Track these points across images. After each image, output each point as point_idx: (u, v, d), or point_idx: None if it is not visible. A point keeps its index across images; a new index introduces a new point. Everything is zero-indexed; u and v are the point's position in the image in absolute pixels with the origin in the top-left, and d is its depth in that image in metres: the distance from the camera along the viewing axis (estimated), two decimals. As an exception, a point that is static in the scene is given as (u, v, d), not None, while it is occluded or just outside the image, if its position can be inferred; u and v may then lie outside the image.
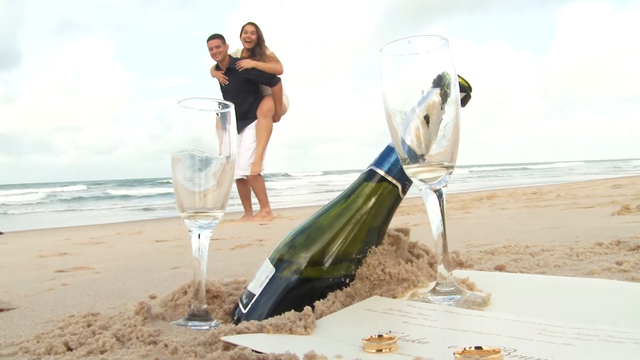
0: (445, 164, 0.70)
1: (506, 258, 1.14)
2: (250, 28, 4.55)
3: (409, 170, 0.71)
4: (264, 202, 4.55)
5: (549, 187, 6.73)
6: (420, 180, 0.71)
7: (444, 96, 0.69)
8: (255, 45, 4.55)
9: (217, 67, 4.64)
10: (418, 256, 0.85)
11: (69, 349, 0.69)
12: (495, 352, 0.48)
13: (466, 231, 1.89)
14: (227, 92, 4.58)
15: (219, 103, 0.81)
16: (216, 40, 4.54)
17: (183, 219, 0.80)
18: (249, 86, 4.55)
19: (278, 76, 4.56)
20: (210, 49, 4.53)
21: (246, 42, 4.56)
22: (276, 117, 4.65)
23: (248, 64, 4.48)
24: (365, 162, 0.83)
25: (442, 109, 0.69)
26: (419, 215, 3.10)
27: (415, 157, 0.70)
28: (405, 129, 0.70)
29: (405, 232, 0.85)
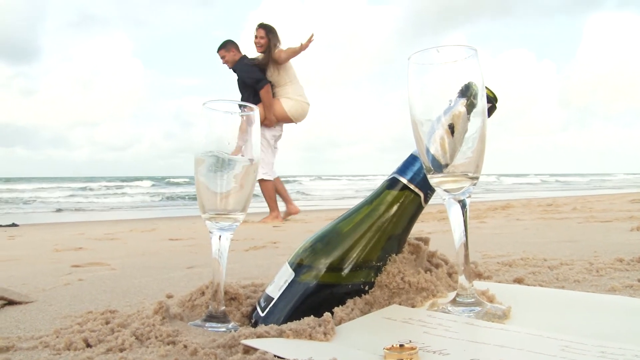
0: (470, 174, 0.70)
1: (524, 270, 1.13)
2: (260, 32, 4.53)
3: (433, 179, 0.71)
4: (270, 206, 4.56)
5: (564, 199, 6.67)
6: (444, 190, 0.71)
7: (470, 106, 0.69)
8: (266, 49, 4.52)
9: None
10: (437, 266, 0.85)
11: (88, 345, 0.70)
12: (519, 367, 0.48)
13: (482, 241, 1.87)
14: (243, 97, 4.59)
15: (243, 105, 0.81)
16: (221, 51, 4.60)
17: (204, 220, 0.80)
18: (245, 88, 4.56)
19: (264, 80, 4.50)
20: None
21: (257, 46, 4.57)
22: (267, 122, 4.51)
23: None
24: (380, 167, 0.83)
25: (467, 119, 0.69)
26: (433, 223, 3.08)
27: (439, 167, 0.70)
28: (430, 138, 0.70)
29: (425, 241, 0.85)
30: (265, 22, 4.65)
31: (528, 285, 0.95)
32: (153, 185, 19.90)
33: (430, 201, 0.81)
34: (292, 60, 4.57)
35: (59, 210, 9.58)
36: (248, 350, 0.59)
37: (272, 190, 4.59)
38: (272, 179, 4.56)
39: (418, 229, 2.62)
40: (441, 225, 2.87)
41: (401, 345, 0.56)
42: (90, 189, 16.42)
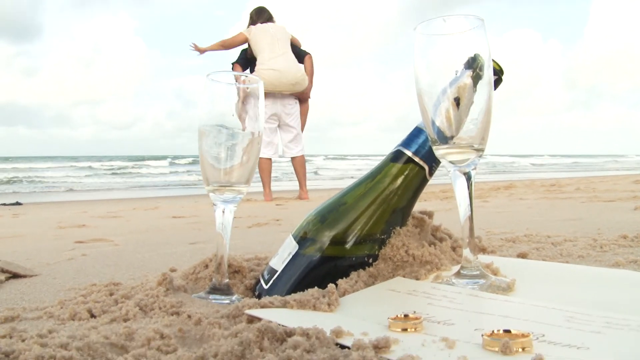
0: (476, 146, 0.69)
1: (528, 246, 1.13)
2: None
3: (438, 151, 0.70)
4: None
5: (567, 179, 6.65)
6: (450, 162, 0.70)
7: (476, 78, 0.68)
8: None
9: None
10: (441, 239, 0.85)
11: (93, 315, 0.70)
12: (524, 336, 0.48)
13: (485, 219, 1.87)
14: None
15: (244, 76, 0.80)
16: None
17: (208, 193, 0.80)
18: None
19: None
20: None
21: None
22: None
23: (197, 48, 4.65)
24: (383, 146, 0.82)
25: (474, 91, 0.68)
26: (436, 202, 3.08)
27: (444, 139, 0.69)
28: (436, 110, 0.69)
29: (430, 214, 0.84)
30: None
31: (532, 260, 0.95)
32: (171, 163, 19.77)
33: (434, 180, 0.80)
34: (267, 31, 4.52)
35: (70, 190, 9.59)
36: (252, 320, 0.59)
37: (262, 169, 4.56)
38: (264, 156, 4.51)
39: (421, 207, 2.62)
40: (444, 204, 2.87)
41: (406, 316, 0.55)
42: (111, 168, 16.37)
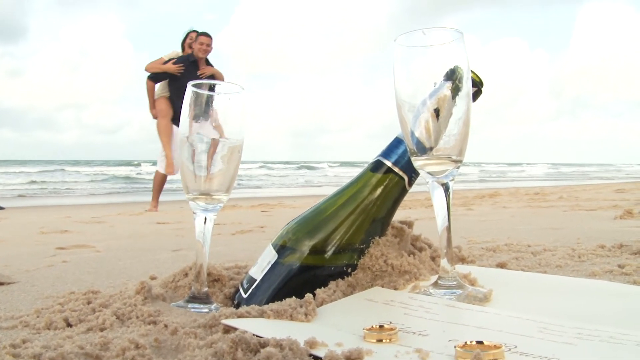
0: (454, 157, 0.70)
1: (508, 256, 1.14)
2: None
3: (417, 162, 0.71)
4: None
5: (551, 188, 6.71)
6: (428, 173, 0.71)
7: (456, 90, 0.69)
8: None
9: (192, 62, 4.68)
10: (421, 249, 0.85)
11: (69, 325, 0.69)
12: (496, 347, 0.48)
13: (468, 228, 1.88)
14: (180, 89, 4.60)
15: (226, 85, 0.81)
16: (210, 39, 4.70)
17: (188, 201, 0.80)
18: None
19: None
20: (202, 44, 4.64)
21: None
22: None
23: (210, 70, 4.70)
24: (370, 154, 0.82)
25: (453, 103, 0.69)
26: (421, 209, 3.10)
27: (423, 150, 0.70)
28: (415, 121, 0.70)
29: (409, 224, 0.85)
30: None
31: (511, 270, 0.96)
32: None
33: (419, 188, 0.80)
34: None
35: (54, 193, 9.48)
36: (228, 330, 0.59)
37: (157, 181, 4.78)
38: (162, 171, 4.68)
39: (405, 215, 2.63)
40: (428, 212, 2.88)
41: (381, 326, 0.56)
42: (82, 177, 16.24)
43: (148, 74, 4.67)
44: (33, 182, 12.49)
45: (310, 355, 0.49)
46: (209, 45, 4.69)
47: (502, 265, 0.99)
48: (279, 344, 0.49)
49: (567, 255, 1.11)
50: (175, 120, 4.62)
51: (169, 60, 4.65)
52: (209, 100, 0.79)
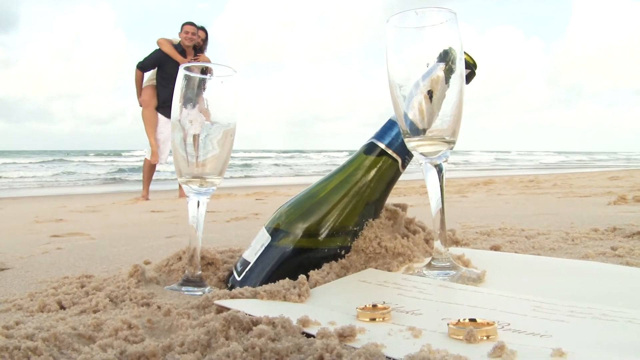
0: (447, 138, 0.69)
1: (502, 239, 1.14)
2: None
3: (410, 143, 0.71)
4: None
5: (545, 176, 6.74)
6: (421, 154, 0.70)
7: (449, 71, 0.68)
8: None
9: (181, 52, 4.68)
10: (414, 232, 0.85)
11: (62, 307, 0.69)
12: (489, 324, 0.48)
13: (462, 214, 1.89)
14: (166, 78, 4.59)
15: (217, 68, 0.80)
16: (194, 27, 4.71)
17: (182, 185, 0.79)
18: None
19: None
20: (187, 32, 4.66)
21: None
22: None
23: (202, 59, 4.73)
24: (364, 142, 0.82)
25: (446, 84, 0.68)
26: (416, 197, 3.10)
27: (416, 131, 0.70)
28: (409, 103, 0.70)
29: (403, 207, 0.85)
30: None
31: (504, 252, 0.96)
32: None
33: (414, 176, 0.80)
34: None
35: (48, 183, 9.44)
36: (221, 310, 0.59)
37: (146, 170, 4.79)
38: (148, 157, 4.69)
39: (399, 201, 2.63)
40: (423, 198, 2.88)
41: (374, 306, 0.56)
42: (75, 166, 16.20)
43: (137, 62, 4.68)
44: (28, 172, 12.43)
45: (303, 332, 0.49)
46: (194, 33, 4.69)
47: (496, 248, 1.00)
48: (272, 322, 0.49)
49: (560, 238, 1.11)
50: (159, 108, 4.62)
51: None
52: (202, 84, 0.79)
